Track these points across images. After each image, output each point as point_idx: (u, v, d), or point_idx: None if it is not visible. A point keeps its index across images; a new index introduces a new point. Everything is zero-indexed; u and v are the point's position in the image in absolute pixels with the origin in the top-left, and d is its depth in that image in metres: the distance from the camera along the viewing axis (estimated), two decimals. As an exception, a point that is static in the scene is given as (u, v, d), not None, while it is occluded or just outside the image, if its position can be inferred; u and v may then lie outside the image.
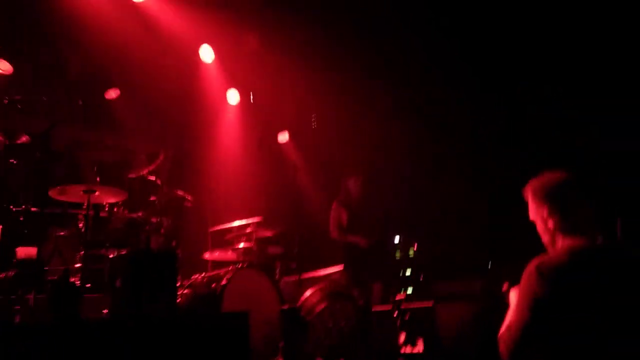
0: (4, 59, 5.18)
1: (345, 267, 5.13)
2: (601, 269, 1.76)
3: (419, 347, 2.71)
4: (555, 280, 1.73)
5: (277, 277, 4.96)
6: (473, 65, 5.67)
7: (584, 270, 1.76)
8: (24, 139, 4.50)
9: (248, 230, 4.91)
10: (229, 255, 5.14)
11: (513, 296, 1.98)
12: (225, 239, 5.15)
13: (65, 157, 5.62)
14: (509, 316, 1.90)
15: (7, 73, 5.16)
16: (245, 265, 4.45)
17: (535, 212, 1.97)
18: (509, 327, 1.82)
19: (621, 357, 1.67)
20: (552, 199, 1.90)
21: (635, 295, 1.73)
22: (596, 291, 1.72)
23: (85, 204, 3.87)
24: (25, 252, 3.77)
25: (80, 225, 3.94)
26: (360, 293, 4.70)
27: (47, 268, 3.91)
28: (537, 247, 2.00)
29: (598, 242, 1.82)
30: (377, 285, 4.96)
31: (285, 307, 2.52)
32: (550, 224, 1.90)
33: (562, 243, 1.90)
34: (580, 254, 1.79)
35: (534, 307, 1.74)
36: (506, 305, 2.02)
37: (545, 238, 1.97)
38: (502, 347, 1.83)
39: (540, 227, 1.98)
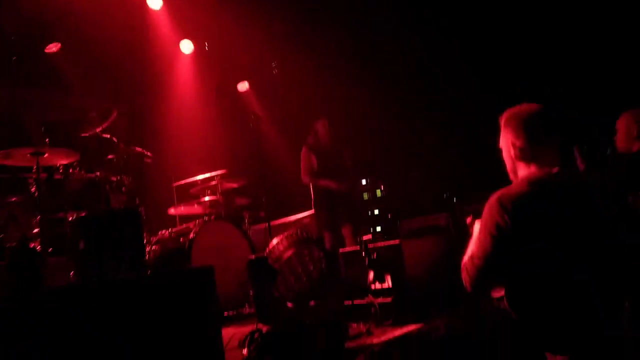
0: None
1: (316, 212, 5.10)
2: (559, 199, 1.80)
3: (387, 283, 2.77)
4: (515, 211, 1.76)
5: (246, 226, 4.95)
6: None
7: (543, 200, 1.79)
8: (-40, 101, 4.21)
9: (213, 182, 4.84)
10: (196, 209, 5.09)
11: (476, 227, 2.02)
12: (190, 193, 5.07)
13: (7, 119, 5.31)
14: (471, 246, 1.95)
15: None
16: (213, 218, 4.42)
17: (504, 139, 1.99)
18: (471, 257, 1.87)
19: (581, 284, 1.74)
20: (521, 125, 1.92)
21: (591, 222, 1.78)
22: (555, 220, 1.77)
23: (35, 168, 3.69)
24: (-23, 221, 3.61)
25: (33, 189, 3.77)
26: (331, 237, 4.70)
27: (2, 235, 3.77)
28: (500, 181, 2.02)
29: (556, 172, 1.85)
30: (346, 228, 4.95)
31: (252, 257, 2.51)
32: (515, 150, 1.92)
33: (522, 172, 1.93)
34: (539, 184, 1.82)
35: (496, 238, 1.78)
36: (470, 237, 2.07)
37: (508, 165, 2.01)
38: (465, 276, 1.88)
39: (505, 154, 2.00)
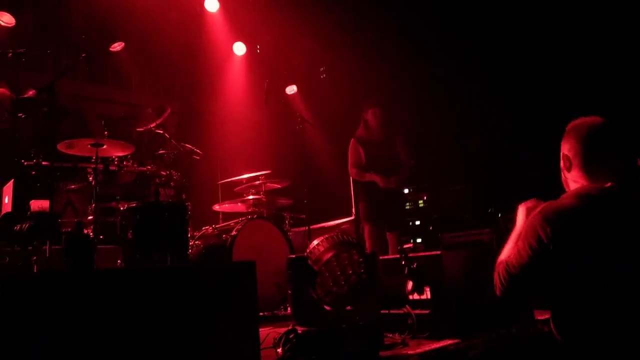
0: (6, 11, 5.10)
1: (358, 204, 4.97)
2: (607, 215, 1.73)
3: (426, 295, 2.74)
4: (559, 225, 1.71)
5: (286, 228, 5.02)
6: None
7: (590, 216, 1.73)
8: (31, 92, 4.49)
9: (257, 182, 4.93)
10: (239, 207, 5.20)
11: (520, 217, 1.97)
12: (235, 191, 5.19)
13: (72, 112, 5.63)
14: (508, 248, 1.90)
15: (9, 25, 5.10)
16: (255, 217, 4.50)
17: (561, 149, 1.95)
18: (507, 263, 1.82)
19: (632, 306, 1.67)
20: (577, 137, 1.87)
21: (634, 241, 1.71)
22: (601, 237, 1.70)
23: (94, 158, 3.89)
24: (38, 204, 3.84)
25: (90, 178, 3.98)
26: (371, 229, 4.65)
27: (60, 220, 3.99)
28: (548, 197, 1.99)
29: (608, 187, 1.78)
30: (392, 234, 4.82)
31: (292, 256, 2.54)
32: (566, 162, 1.89)
33: (572, 185, 1.89)
34: (588, 199, 1.75)
35: (536, 251, 1.73)
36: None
37: (562, 176, 1.97)
38: (497, 279, 1.85)
39: (562, 164, 1.96)
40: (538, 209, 1.80)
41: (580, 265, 1.70)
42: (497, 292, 1.88)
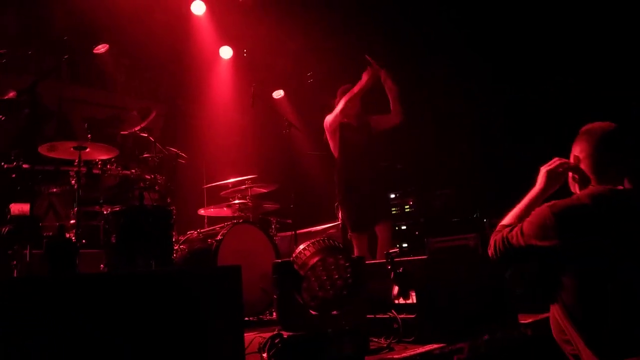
0: (-14, 12, 5.01)
1: (343, 215, 4.45)
2: (618, 216, 1.78)
3: (412, 299, 2.75)
4: (568, 222, 1.76)
5: (272, 232, 4.99)
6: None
7: (601, 216, 1.78)
8: (11, 94, 4.41)
9: (243, 186, 4.90)
10: (224, 211, 5.16)
11: (540, 179, 2.00)
12: (221, 196, 5.15)
13: (54, 114, 5.55)
14: (515, 213, 1.97)
15: (-11, 26, 5.02)
16: (241, 221, 4.48)
17: (572, 151, 2.00)
18: (507, 237, 1.88)
19: (624, 306, 1.70)
20: (590, 140, 1.93)
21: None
22: (610, 237, 1.75)
23: (77, 161, 3.84)
24: (18, 208, 3.77)
25: (73, 182, 3.92)
26: (358, 237, 4.16)
27: (42, 224, 3.92)
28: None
29: (620, 189, 1.84)
30: (383, 226, 4.32)
31: (278, 261, 2.53)
32: (577, 163, 1.93)
33: (582, 186, 1.94)
34: (600, 199, 1.80)
35: (536, 240, 1.78)
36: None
37: (570, 177, 2.02)
38: (493, 244, 1.92)
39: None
40: (548, 203, 1.84)
41: (587, 262, 1.75)
42: (489, 254, 1.96)
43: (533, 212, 1.87)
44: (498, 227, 1.97)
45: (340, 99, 4.33)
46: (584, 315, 1.77)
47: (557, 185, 2.00)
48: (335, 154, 4.41)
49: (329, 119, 4.36)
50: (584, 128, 1.99)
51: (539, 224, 1.80)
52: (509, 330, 2.92)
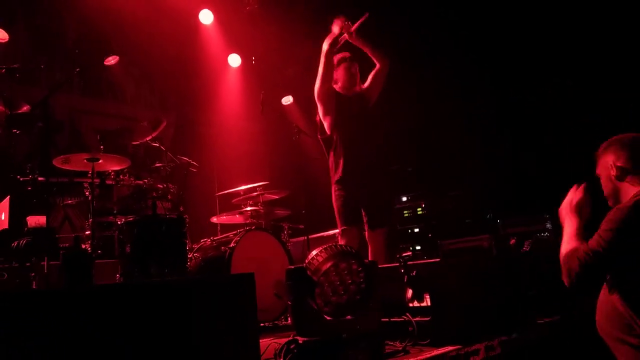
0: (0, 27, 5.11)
1: (336, 209, 3.90)
2: None
3: (426, 302, 2.74)
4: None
5: (285, 238, 5.00)
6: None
7: None
8: (25, 108, 4.49)
9: (255, 193, 4.92)
10: (237, 218, 5.19)
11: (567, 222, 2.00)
12: (233, 203, 5.18)
13: (67, 126, 5.64)
14: (574, 237, 1.97)
15: (3, 41, 5.10)
16: (253, 228, 4.49)
17: (603, 163, 2.04)
18: (589, 245, 1.87)
19: None
20: (623, 146, 1.99)
21: None
22: None
23: (90, 172, 3.89)
24: (35, 220, 3.83)
25: (87, 193, 3.97)
26: (350, 232, 3.67)
27: (58, 236, 3.97)
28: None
29: None
30: (376, 233, 3.77)
31: (291, 267, 2.54)
32: (616, 171, 1.97)
33: (628, 192, 1.96)
34: None
35: (619, 242, 1.80)
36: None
37: (607, 190, 2.06)
38: (573, 267, 1.89)
39: (604, 179, 2.06)
40: (626, 204, 1.87)
41: None
42: (568, 282, 1.92)
43: (609, 217, 1.89)
44: (567, 253, 1.94)
45: (337, 71, 3.94)
46: None
47: (587, 214, 2.02)
48: (329, 129, 3.88)
49: (316, 85, 3.88)
50: (614, 139, 2.05)
51: (621, 220, 1.82)
52: (525, 331, 2.89)
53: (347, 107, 3.87)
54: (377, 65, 3.93)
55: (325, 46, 3.79)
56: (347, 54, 3.94)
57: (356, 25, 3.81)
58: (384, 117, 4.38)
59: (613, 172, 1.99)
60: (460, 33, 5.71)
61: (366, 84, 3.98)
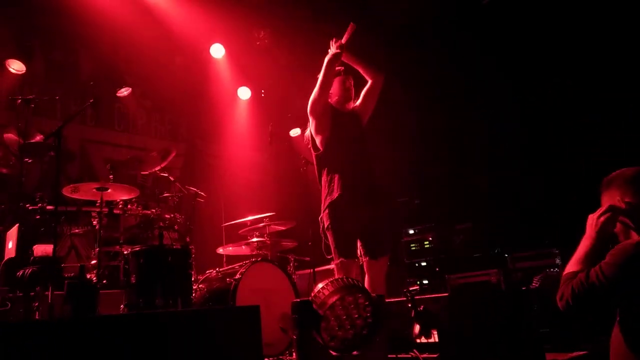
0: (17, 59, 5.26)
1: (330, 238, 3.47)
2: None
3: (434, 338, 2.68)
4: None
5: (291, 270, 4.96)
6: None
7: None
8: (38, 138, 4.57)
9: (261, 224, 4.92)
10: (243, 249, 5.17)
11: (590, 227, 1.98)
12: (239, 234, 5.17)
13: (78, 156, 5.72)
14: (578, 261, 1.93)
15: (20, 72, 5.25)
16: (259, 259, 4.47)
17: (608, 199, 2.02)
18: (588, 275, 1.84)
19: None
20: (627, 182, 1.98)
21: None
22: None
23: (99, 202, 3.91)
24: (42, 249, 3.84)
25: (95, 222, 3.99)
26: (348, 265, 3.30)
27: (64, 265, 3.97)
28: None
29: None
30: (381, 261, 3.37)
31: (297, 300, 2.51)
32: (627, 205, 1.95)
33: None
34: None
35: (619, 278, 1.77)
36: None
37: (618, 226, 2.01)
38: (567, 293, 1.86)
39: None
40: (632, 241, 1.85)
41: None
42: (561, 305, 1.89)
43: (615, 251, 1.86)
44: (565, 277, 1.93)
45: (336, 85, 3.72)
46: None
47: (610, 231, 2.00)
48: (322, 146, 3.61)
49: (311, 98, 3.66)
50: (609, 176, 2.04)
51: (624, 259, 1.79)
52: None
53: (342, 124, 3.63)
54: (370, 82, 3.72)
55: (327, 58, 3.58)
56: (341, 68, 3.73)
57: (345, 37, 3.63)
58: (384, 142, 4.20)
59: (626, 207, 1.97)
60: (465, 59, 5.76)
61: (359, 102, 3.77)
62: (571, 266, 1.96)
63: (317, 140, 3.66)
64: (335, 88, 3.71)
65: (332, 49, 3.60)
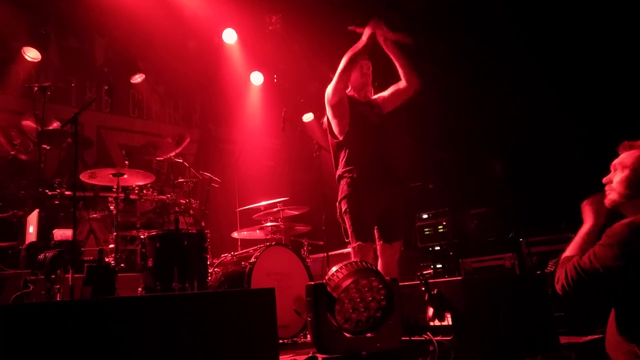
0: (33, 47, 5.32)
1: (348, 222, 3.48)
2: None
3: (447, 321, 2.69)
4: None
5: (304, 254, 5.00)
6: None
7: None
8: (55, 124, 4.64)
9: (275, 209, 4.95)
10: (257, 234, 5.21)
11: (587, 215, 1.97)
12: (253, 218, 5.22)
13: (95, 142, 5.80)
14: (576, 244, 1.93)
15: (36, 60, 5.31)
16: (273, 243, 4.51)
17: (633, 162, 1.95)
18: (579, 265, 1.83)
19: None
20: None
21: None
22: None
23: (115, 187, 3.97)
24: (61, 234, 3.92)
25: (112, 207, 4.05)
26: (365, 249, 3.33)
27: (83, 249, 4.06)
28: (572, 222, 1.99)
29: None
30: (396, 245, 3.47)
31: (311, 283, 2.54)
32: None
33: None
34: None
35: (618, 263, 1.74)
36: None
37: (622, 189, 1.96)
38: (563, 275, 1.85)
39: (622, 177, 1.96)
40: (624, 222, 1.81)
41: None
42: (558, 288, 1.89)
43: (607, 233, 1.84)
44: (562, 259, 1.92)
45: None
46: None
47: (603, 217, 1.97)
48: (341, 134, 3.54)
49: (329, 87, 3.55)
50: (628, 146, 1.98)
51: (616, 242, 1.77)
52: (550, 353, 2.82)
53: (361, 113, 3.56)
54: (404, 84, 3.59)
55: (351, 51, 3.44)
56: (366, 60, 3.63)
57: (396, 37, 3.55)
58: (400, 127, 4.09)
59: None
60: (481, 44, 5.67)
61: (385, 96, 3.70)
62: (569, 251, 1.95)
63: (336, 128, 3.60)
64: (352, 74, 3.59)
65: (364, 37, 3.44)
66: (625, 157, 1.96)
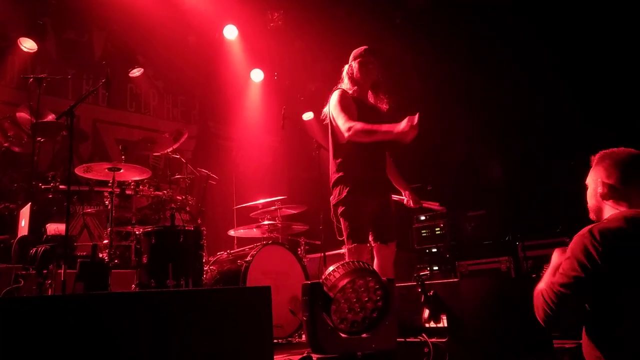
0: (29, 37, 5.26)
1: (344, 227, 3.42)
2: None
3: (443, 323, 2.67)
4: (611, 246, 1.70)
5: (301, 254, 4.97)
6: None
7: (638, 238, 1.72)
8: (50, 117, 4.58)
9: (273, 207, 4.92)
10: (254, 232, 5.18)
11: (555, 256, 1.96)
12: (250, 217, 5.18)
13: (91, 136, 5.75)
14: (549, 274, 1.89)
15: (32, 51, 5.25)
16: (270, 242, 4.48)
17: (593, 176, 1.96)
18: (552, 284, 1.80)
19: None
20: (615, 164, 1.90)
21: None
22: None
23: (111, 182, 3.93)
24: (54, 228, 3.88)
25: (107, 202, 4.01)
26: (360, 250, 3.26)
27: (76, 244, 4.01)
28: (569, 227, 1.98)
29: None
30: (385, 246, 3.43)
31: (308, 282, 2.50)
32: (604, 188, 1.89)
33: (609, 211, 1.88)
34: (636, 223, 1.74)
35: (586, 269, 1.71)
36: (532, 282, 1.98)
37: (591, 204, 1.98)
38: (540, 303, 1.82)
39: (590, 192, 1.98)
40: (585, 229, 1.78)
41: (632, 286, 1.68)
42: (542, 317, 1.84)
43: (572, 245, 1.81)
44: (537, 293, 1.88)
45: (353, 66, 3.58)
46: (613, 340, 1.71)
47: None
48: (344, 139, 3.44)
49: (348, 128, 3.37)
50: (604, 153, 1.96)
51: (583, 251, 1.74)
52: (544, 356, 2.81)
53: (367, 119, 3.44)
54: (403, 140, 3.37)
55: (386, 131, 3.29)
56: (365, 47, 3.60)
57: (426, 205, 3.81)
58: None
59: (600, 190, 1.90)
60: (479, 45, 5.66)
61: (385, 110, 3.68)
62: (541, 283, 1.91)
63: (339, 130, 3.51)
64: (356, 71, 3.57)
65: (400, 128, 3.25)
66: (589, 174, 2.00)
